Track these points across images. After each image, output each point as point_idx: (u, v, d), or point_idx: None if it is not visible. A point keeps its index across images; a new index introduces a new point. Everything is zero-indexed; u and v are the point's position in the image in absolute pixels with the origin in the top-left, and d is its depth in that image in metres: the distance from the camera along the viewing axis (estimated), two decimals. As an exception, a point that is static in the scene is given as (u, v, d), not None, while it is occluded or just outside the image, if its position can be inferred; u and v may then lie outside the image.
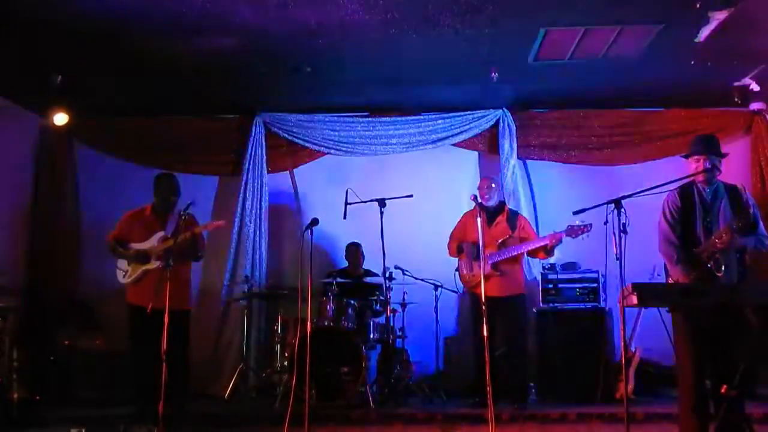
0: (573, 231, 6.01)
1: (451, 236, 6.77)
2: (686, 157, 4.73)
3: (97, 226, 7.64)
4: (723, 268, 4.31)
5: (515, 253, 6.42)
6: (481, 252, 5.16)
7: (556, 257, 7.27)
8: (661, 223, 4.66)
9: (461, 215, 6.80)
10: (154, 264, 5.97)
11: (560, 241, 6.22)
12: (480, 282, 5.03)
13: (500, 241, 6.43)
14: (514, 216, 6.68)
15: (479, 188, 6.71)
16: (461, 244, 6.58)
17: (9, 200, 7.77)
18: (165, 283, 5.09)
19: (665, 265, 4.67)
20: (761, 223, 4.51)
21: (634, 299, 4.04)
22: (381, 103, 8.01)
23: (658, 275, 6.76)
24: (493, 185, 6.79)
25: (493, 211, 6.63)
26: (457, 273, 6.66)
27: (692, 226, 4.52)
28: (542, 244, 6.33)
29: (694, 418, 4.28)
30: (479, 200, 6.59)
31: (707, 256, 4.38)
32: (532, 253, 6.58)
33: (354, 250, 7.69)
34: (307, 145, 8.24)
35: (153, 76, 7.13)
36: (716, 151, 4.62)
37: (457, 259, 6.72)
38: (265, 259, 8.01)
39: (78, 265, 8.17)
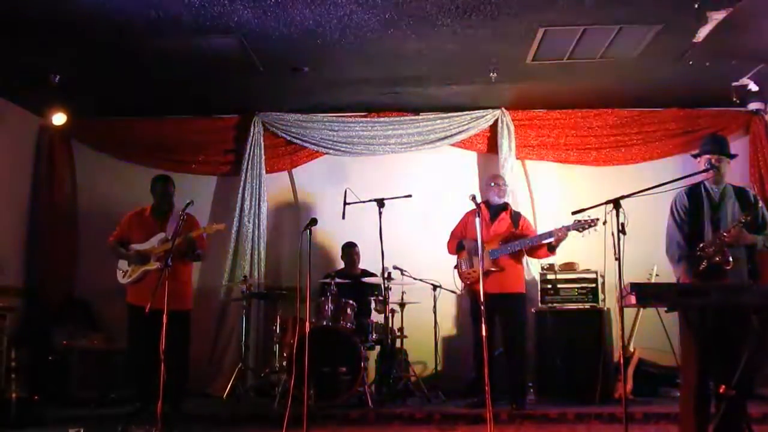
0: (580, 225, 5.90)
1: (452, 234, 6.73)
2: (696, 156, 4.72)
3: (96, 226, 7.64)
4: (731, 261, 4.29)
5: (519, 248, 6.35)
6: (479, 250, 5.14)
7: (555, 257, 7.27)
8: (669, 224, 4.65)
9: (463, 214, 6.75)
10: (154, 264, 5.97)
11: (566, 236, 6.12)
12: (479, 279, 5.00)
13: (503, 237, 6.39)
14: (516, 215, 6.66)
15: (496, 185, 6.62)
16: (462, 241, 6.55)
17: (8, 200, 7.76)
18: (164, 284, 5.08)
19: None
20: None
21: (633, 299, 4.04)
22: (380, 103, 8.01)
23: (657, 275, 6.79)
24: (506, 184, 6.84)
25: (497, 209, 6.61)
26: (456, 270, 6.63)
27: (700, 225, 4.51)
28: (548, 240, 6.25)
29: (694, 418, 4.28)
30: (489, 198, 6.63)
31: (714, 251, 4.37)
32: (534, 252, 6.52)
33: (349, 251, 7.68)
34: (305, 145, 8.24)
35: (151, 77, 7.12)
36: (727, 152, 4.62)
37: (455, 256, 6.69)
38: (263, 259, 8.01)
39: (76, 265, 8.18)
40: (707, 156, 4.59)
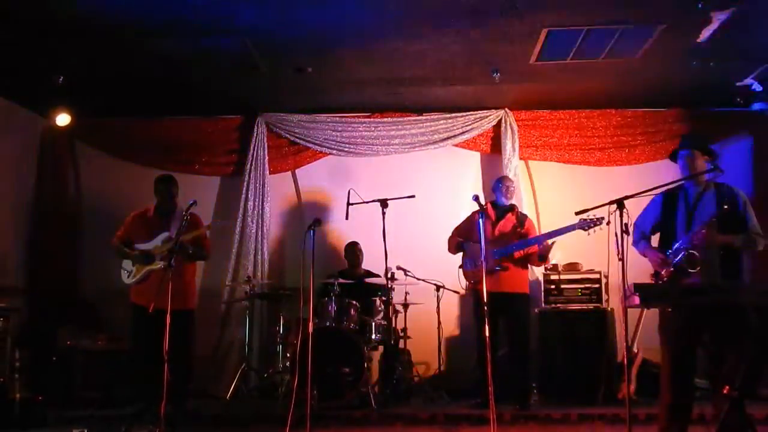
0: (585, 224, 5.86)
1: (455, 230, 6.70)
2: (673, 159, 4.69)
3: (99, 226, 7.65)
4: (697, 267, 4.25)
5: (521, 248, 6.34)
6: (482, 250, 5.13)
7: (558, 258, 7.26)
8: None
9: (468, 213, 6.73)
10: (158, 264, 5.96)
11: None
12: (483, 278, 4.99)
13: (508, 237, 6.40)
14: (522, 216, 6.66)
15: (505, 186, 6.62)
16: (463, 243, 6.55)
17: (12, 201, 7.77)
18: (168, 283, 5.08)
19: None
20: (753, 222, 4.38)
21: (637, 300, 4.04)
22: (383, 103, 8.01)
23: (661, 276, 6.78)
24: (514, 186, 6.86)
25: (504, 210, 6.61)
26: (460, 270, 6.63)
27: (674, 227, 4.47)
28: (541, 242, 6.24)
29: (667, 416, 4.30)
30: (497, 199, 6.62)
31: (683, 253, 4.33)
32: (528, 261, 6.53)
33: (352, 249, 7.70)
34: (309, 145, 8.24)
35: (155, 77, 7.12)
36: (700, 147, 4.57)
37: (458, 255, 6.68)
38: (267, 260, 8.01)
39: (79, 265, 8.19)
40: (681, 151, 4.58)
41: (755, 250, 4.38)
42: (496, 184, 6.73)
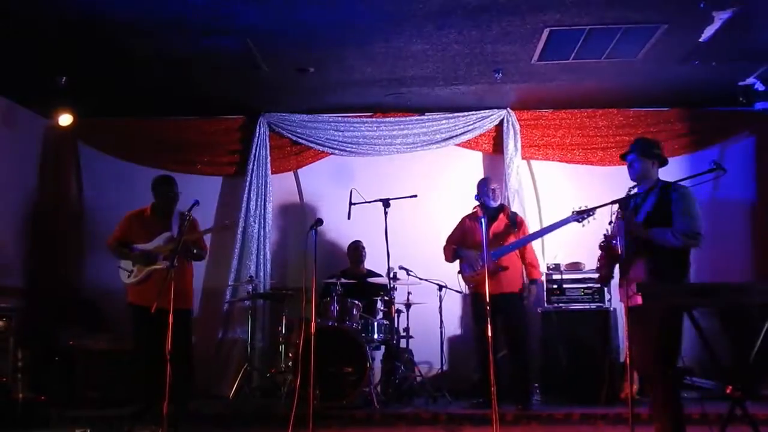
0: (579, 216, 5.79)
1: (449, 239, 6.72)
2: (623, 158, 4.74)
3: (101, 226, 7.65)
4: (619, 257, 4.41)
5: (518, 247, 6.43)
6: (485, 251, 5.13)
7: (560, 257, 7.26)
8: None
9: (460, 219, 6.77)
10: (162, 264, 5.96)
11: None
12: (484, 280, 4.99)
13: (502, 237, 6.42)
14: (513, 215, 6.70)
15: (492, 189, 6.62)
16: (458, 251, 6.56)
17: (14, 201, 7.78)
18: (169, 283, 5.08)
19: None
20: (683, 221, 4.34)
21: (639, 299, 4.03)
22: (385, 103, 8.00)
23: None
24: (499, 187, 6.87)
25: (494, 211, 6.61)
26: (459, 275, 6.63)
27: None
28: (538, 238, 6.33)
29: (661, 415, 4.33)
30: (485, 201, 6.62)
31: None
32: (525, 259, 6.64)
33: (355, 247, 7.71)
34: (311, 145, 8.24)
35: (157, 77, 7.13)
36: (645, 152, 4.62)
37: (454, 262, 6.69)
38: (269, 260, 8.01)
39: (82, 265, 8.19)
40: (627, 156, 4.66)
41: (675, 247, 4.34)
42: (482, 187, 6.70)
